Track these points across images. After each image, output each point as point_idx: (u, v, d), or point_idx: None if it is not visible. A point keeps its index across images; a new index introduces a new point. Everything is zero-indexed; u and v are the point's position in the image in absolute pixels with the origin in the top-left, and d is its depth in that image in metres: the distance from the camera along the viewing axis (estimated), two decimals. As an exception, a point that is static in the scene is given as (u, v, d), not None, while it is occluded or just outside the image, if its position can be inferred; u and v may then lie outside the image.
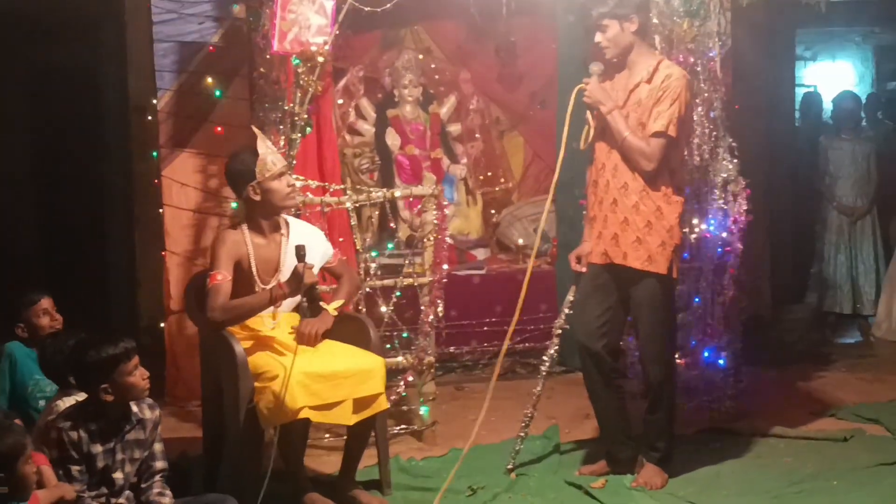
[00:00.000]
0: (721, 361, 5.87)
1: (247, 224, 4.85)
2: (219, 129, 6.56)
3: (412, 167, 7.72)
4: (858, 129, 8.48)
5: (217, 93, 6.54)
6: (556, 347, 5.41)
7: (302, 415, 4.55)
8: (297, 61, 5.69)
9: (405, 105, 7.80)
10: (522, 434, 5.32)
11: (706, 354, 5.85)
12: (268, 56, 6.06)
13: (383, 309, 5.74)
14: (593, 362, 5.06)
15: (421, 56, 7.92)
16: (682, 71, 4.92)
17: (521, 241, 7.79)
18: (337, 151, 6.70)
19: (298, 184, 5.26)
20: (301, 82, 5.68)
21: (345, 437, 5.37)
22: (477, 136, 8.19)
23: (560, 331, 5.36)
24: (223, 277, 4.70)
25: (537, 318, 7.35)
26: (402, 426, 5.82)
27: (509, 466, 5.24)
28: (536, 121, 8.41)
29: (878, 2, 9.80)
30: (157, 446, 4.39)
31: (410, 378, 5.74)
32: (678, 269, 4.99)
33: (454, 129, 8.04)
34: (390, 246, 6.49)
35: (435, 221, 5.72)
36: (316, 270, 4.87)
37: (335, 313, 4.85)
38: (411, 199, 6.89)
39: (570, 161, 7.25)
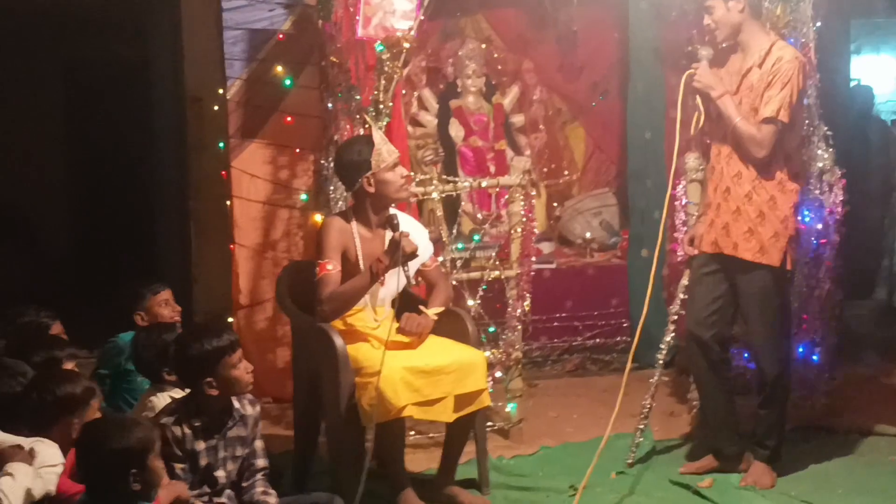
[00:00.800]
0: (815, 357, 5.68)
1: (354, 215, 4.69)
2: (289, 118, 6.41)
3: (476, 159, 7.54)
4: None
5: (287, 81, 6.37)
6: (672, 335, 5.19)
7: (406, 412, 4.40)
8: (381, 47, 5.51)
9: (468, 95, 7.62)
10: (641, 427, 5.17)
11: (801, 349, 5.66)
12: (338, 45, 5.92)
13: (470, 302, 5.55)
14: (701, 352, 4.90)
15: (483, 45, 7.73)
16: (794, 52, 4.74)
17: (587, 235, 7.61)
18: (407, 143, 6.54)
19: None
20: (385, 69, 5.51)
21: (431, 435, 5.27)
22: (541, 127, 7.99)
23: (676, 317, 5.17)
24: (333, 267, 4.55)
25: (608, 314, 7.22)
26: (488, 423, 5.64)
27: (629, 461, 5.07)
28: (597, 112, 8.21)
29: (926, -7, 9.64)
30: (259, 444, 4.26)
31: (498, 374, 5.56)
32: (793, 260, 4.81)
33: (517, 119, 7.85)
34: (476, 238, 6.30)
35: (522, 213, 5.55)
36: (416, 266, 4.72)
37: (435, 318, 4.69)
38: (490, 190, 6.74)
39: (641, 152, 7.17)
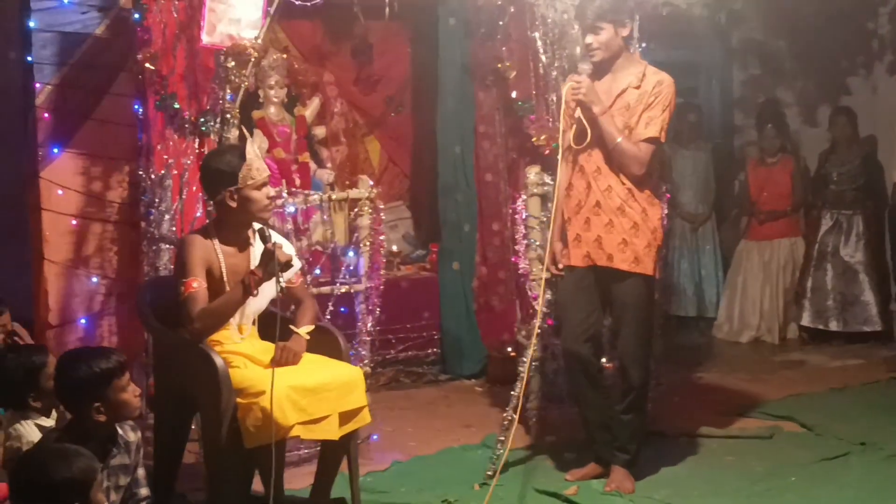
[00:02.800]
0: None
1: (216, 231, 4.50)
2: (103, 127, 6.12)
3: (280, 171, 7.36)
4: (699, 140, 8.80)
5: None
6: (535, 348, 5.24)
7: (293, 432, 4.26)
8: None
9: (270, 106, 7.44)
10: (503, 438, 5.19)
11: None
12: (153, 51, 5.73)
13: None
14: (580, 366, 5.00)
15: (284, 56, 7.60)
16: (670, 78, 4.90)
17: (394, 248, 7.61)
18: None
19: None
20: (232, 78, 5.32)
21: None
22: (342, 139, 7.95)
23: (539, 331, 5.22)
24: (199, 285, 4.33)
25: (420, 326, 7.25)
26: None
27: (489, 473, 5.09)
28: (391, 125, 8.27)
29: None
30: (141, 471, 4.06)
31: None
32: (660, 269, 5.01)
33: (319, 132, 7.74)
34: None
35: (371, 225, 5.51)
36: (289, 277, 4.58)
37: (307, 337, 4.57)
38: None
39: (451, 167, 7.25)
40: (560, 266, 5.06)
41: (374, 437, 5.67)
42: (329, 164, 7.76)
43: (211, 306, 4.33)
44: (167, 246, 5.80)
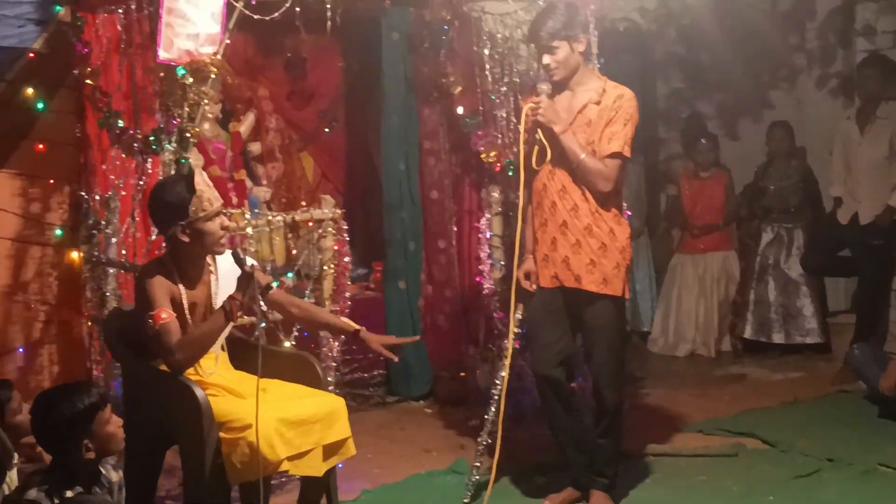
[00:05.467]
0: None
1: (173, 263, 4.27)
2: (41, 146, 5.86)
3: (218, 189, 7.08)
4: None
5: (39, 105, 5.79)
6: (509, 369, 5.10)
7: (283, 467, 4.09)
8: (184, 71, 5.12)
9: (204, 122, 7.17)
10: (478, 464, 5.06)
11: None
12: (93, 66, 5.51)
13: (287, 344, 5.25)
14: (552, 390, 4.89)
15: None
16: (631, 92, 4.84)
17: (330, 267, 7.43)
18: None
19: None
20: (191, 95, 5.12)
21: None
22: (278, 156, 7.74)
23: (512, 350, 5.09)
24: (168, 315, 4.10)
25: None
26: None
27: (465, 500, 4.96)
28: (325, 141, 8.09)
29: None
30: (124, 513, 3.82)
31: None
32: (629, 289, 4.93)
33: (254, 148, 7.53)
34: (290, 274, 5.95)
35: (335, 247, 5.34)
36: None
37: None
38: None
39: (396, 183, 7.10)
40: (532, 280, 4.95)
41: (339, 465, 5.46)
42: (265, 182, 7.56)
43: (192, 336, 4.13)
44: (113, 270, 5.56)
